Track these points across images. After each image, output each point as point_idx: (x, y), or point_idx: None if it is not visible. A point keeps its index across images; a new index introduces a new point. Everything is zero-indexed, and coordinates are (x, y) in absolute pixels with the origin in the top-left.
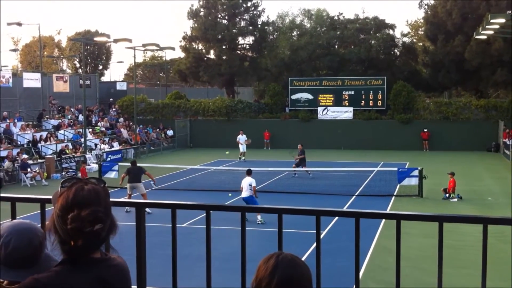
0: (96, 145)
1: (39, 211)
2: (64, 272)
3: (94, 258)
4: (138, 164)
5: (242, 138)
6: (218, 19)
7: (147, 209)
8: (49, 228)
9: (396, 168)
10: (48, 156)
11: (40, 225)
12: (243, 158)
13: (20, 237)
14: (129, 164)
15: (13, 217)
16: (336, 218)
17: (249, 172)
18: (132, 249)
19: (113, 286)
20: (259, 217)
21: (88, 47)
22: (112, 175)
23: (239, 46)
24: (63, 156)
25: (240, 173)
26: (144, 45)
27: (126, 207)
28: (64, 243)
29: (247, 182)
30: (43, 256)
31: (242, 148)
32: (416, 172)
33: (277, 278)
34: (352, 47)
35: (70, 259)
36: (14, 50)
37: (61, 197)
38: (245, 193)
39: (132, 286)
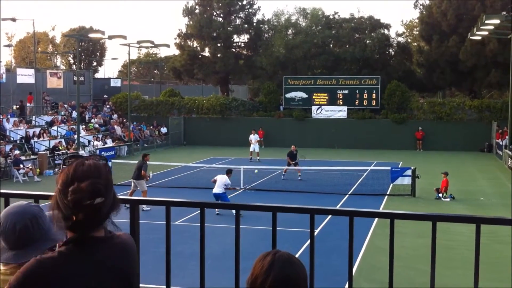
0: (89, 141)
1: None
2: (67, 253)
3: (97, 237)
4: (147, 160)
5: (254, 138)
6: (214, 16)
7: (145, 207)
8: (52, 205)
9: (389, 168)
10: (41, 152)
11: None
12: (257, 158)
13: (5, 222)
14: (122, 161)
15: None
16: (329, 217)
17: (228, 172)
18: None
19: (117, 265)
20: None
21: (82, 44)
22: None
23: (234, 44)
24: (56, 152)
25: (246, 172)
26: (138, 42)
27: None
28: (67, 219)
29: (223, 181)
30: (38, 236)
31: (253, 147)
32: (409, 172)
33: (272, 275)
34: (347, 46)
35: (73, 238)
36: (8, 45)
37: (62, 173)
38: (218, 189)
39: None
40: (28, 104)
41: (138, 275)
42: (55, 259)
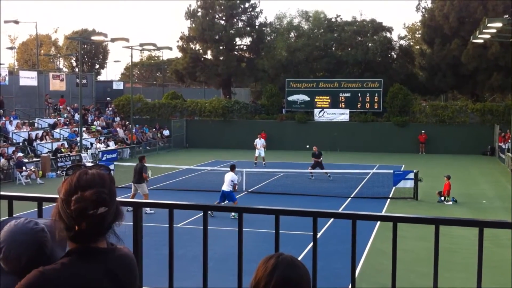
0: (92, 144)
1: (36, 209)
2: (70, 264)
3: (100, 248)
4: (144, 162)
5: (259, 143)
6: (216, 19)
7: (148, 209)
8: (54, 216)
9: (391, 171)
10: (43, 154)
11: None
12: (263, 163)
13: (7, 249)
14: (125, 164)
15: (10, 215)
16: (331, 220)
17: (232, 168)
18: None
19: (120, 277)
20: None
21: (85, 46)
22: None
23: (236, 47)
24: (58, 155)
25: (248, 174)
26: (141, 45)
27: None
28: (69, 229)
29: (229, 178)
30: (42, 263)
31: (258, 152)
32: (411, 175)
33: (275, 278)
34: (349, 49)
35: (76, 249)
36: (11, 48)
37: (65, 183)
38: (226, 187)
39: None
40: (60, 107)
41: None
42: (58, 271)
